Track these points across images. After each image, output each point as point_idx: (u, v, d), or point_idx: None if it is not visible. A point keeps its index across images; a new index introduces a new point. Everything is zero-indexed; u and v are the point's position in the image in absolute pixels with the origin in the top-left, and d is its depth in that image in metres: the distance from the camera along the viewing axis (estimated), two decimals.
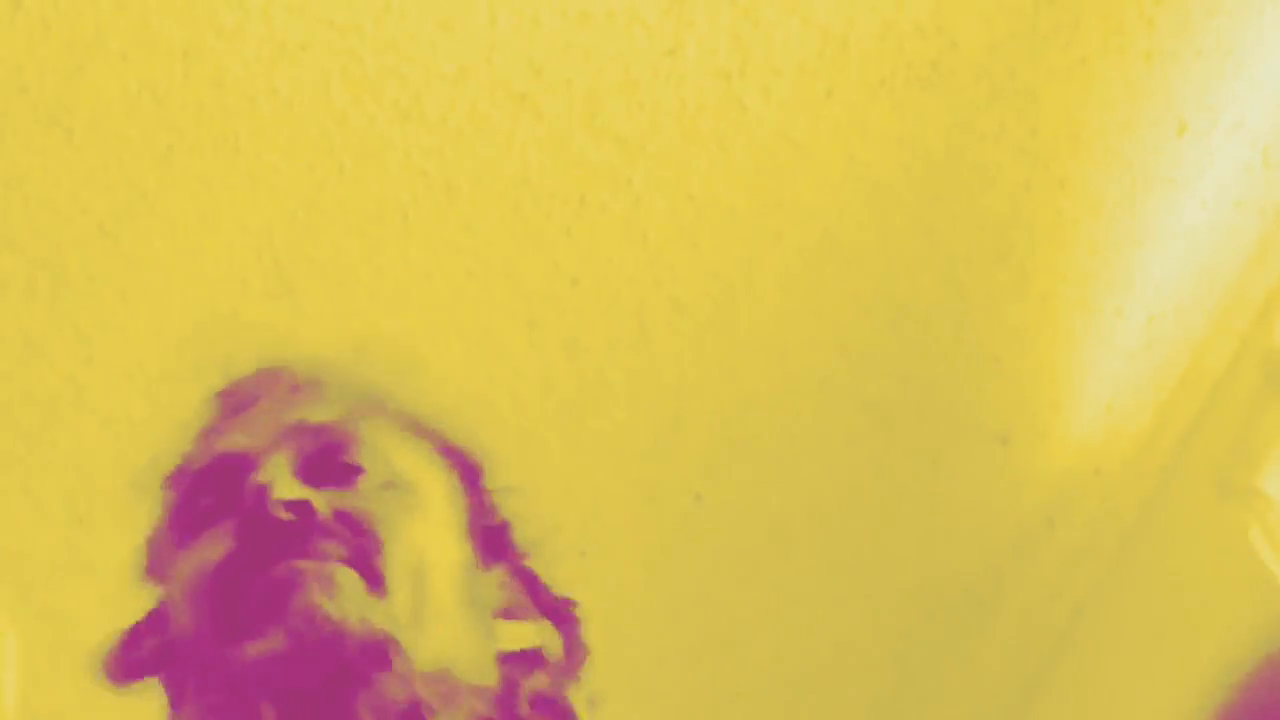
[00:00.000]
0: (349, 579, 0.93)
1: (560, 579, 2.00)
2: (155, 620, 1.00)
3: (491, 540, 1.06)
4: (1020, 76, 1.72)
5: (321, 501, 0.96)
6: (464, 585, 1.00)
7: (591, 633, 2.06)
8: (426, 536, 0.99)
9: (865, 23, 1.69)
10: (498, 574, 1.04)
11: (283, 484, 0.96)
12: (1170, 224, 1.81)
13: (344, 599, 0.92)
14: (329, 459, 1.00)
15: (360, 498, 0.97)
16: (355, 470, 0.99)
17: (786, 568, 2.02)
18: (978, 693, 2.08)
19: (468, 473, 1.08)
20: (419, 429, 1.07)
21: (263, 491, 0.95)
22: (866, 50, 1.70)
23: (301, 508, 0.95)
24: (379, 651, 0.91)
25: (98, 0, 1.63)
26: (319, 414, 1.03)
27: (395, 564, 0.96)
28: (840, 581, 2.03)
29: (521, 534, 1.09)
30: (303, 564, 0.93)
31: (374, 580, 0.94)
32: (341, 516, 0.96)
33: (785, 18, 1.67)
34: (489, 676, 0.98)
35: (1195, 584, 1.85)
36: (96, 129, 1.70)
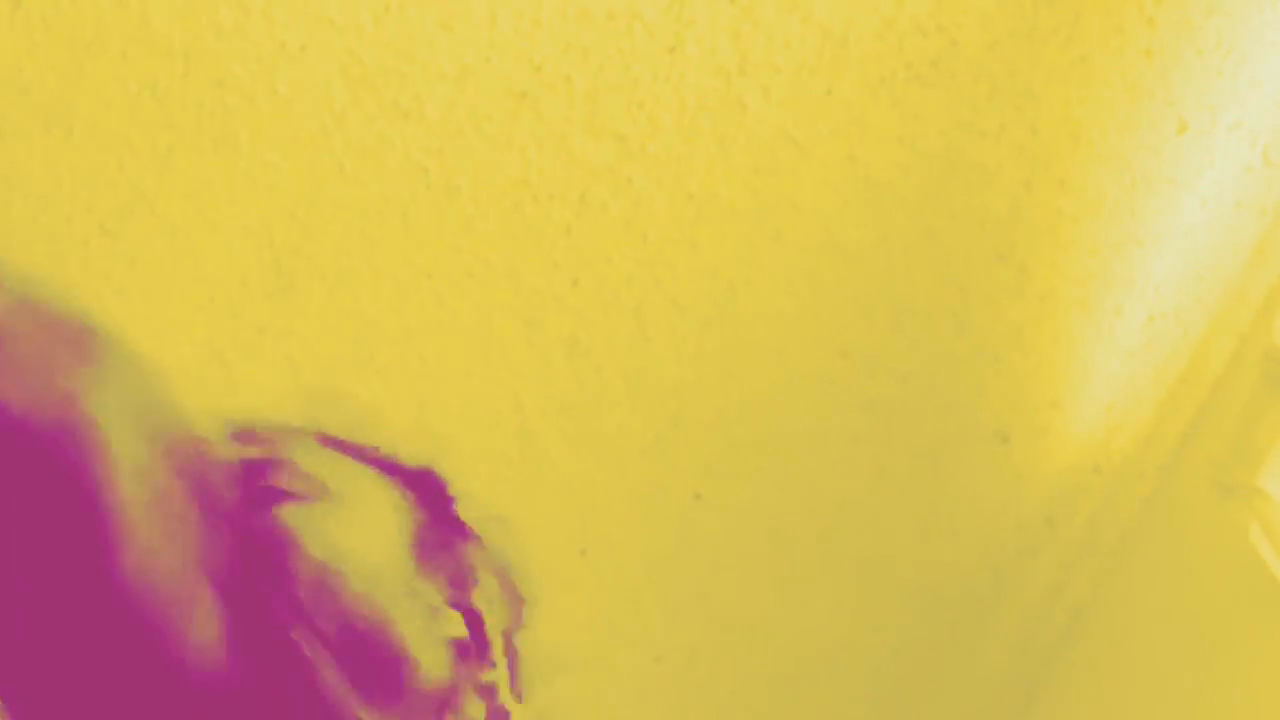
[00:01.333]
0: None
1: (560, 579, 2.01)
2: None
3: (446, 551, 1.08)
4: (1020, 76, 1.72)
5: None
6: (394, 580, 1.02)
7: (591, 632, 2.06)
8: (346, 537, 1.01)
9: (865, 22, 1.69)
10: (441, 577, 1.06)
11: None
12: (1170, 224, 1.81)
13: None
14: (246, 487, 1.03)
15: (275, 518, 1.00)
16: (276, 494, 1.02)
17: (786, 568, 2.02)
18: (978, 693, 2.08)
19: (423, 490, 1.10)
20: (359, 452, 1.09)
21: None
22: (866, 49, 1.70)
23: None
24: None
25: (98, 0, 1.63)
26: (246, 452, 1.06)
27: (305, 560, 0.98)
28: (840, 581, 2.03)
29: (491, 551, 1.11)
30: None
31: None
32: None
33: (785, 16, 1.68)
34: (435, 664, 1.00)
35: (1195, 583, 1.85)
36: (96, 129, 1.70)
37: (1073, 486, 1.96)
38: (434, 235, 1.78)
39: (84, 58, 1.66)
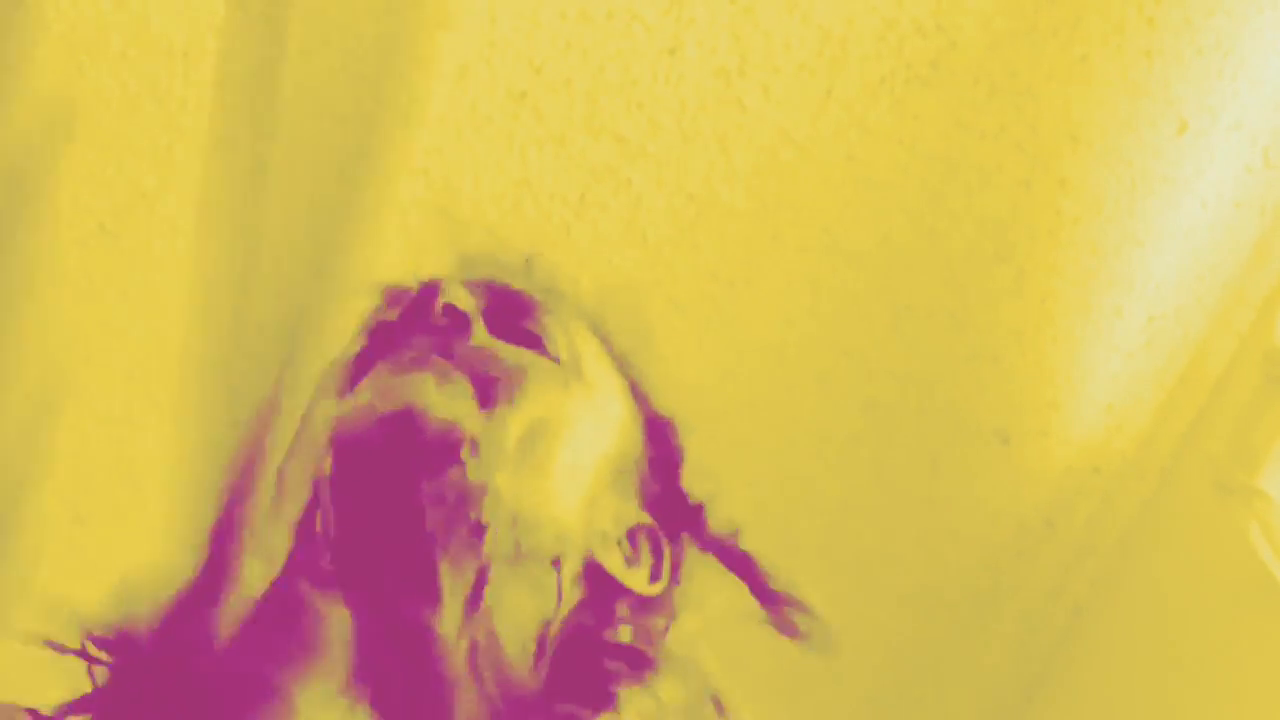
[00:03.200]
0: (462, 385, 0.93)
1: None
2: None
3: (674, 509, 1.05)
4: (1020, 76, 1.72)
5: (481, 327, 0.96)
6: (597, 480, 0.99)
7: None
8: (569, 410, 0.98)
9: (865, 22, 1.69)
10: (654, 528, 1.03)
11: (456, 294, 0.97)
12: (1170, 224, 1.81)
13: (447, 395, 0.92)
14: (513, 318, 1.00)
15: (518, 354, 0.97)
16: (533, 339, 0.99)
17: (786, 568, 2.02)
18: (978, 693, 2.08)
19: (655, 424, 1.07)
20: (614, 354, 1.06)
21: (433, 290, 0.96)
22: (866, 50, 1.70)
23: (458, 315, 0.95)
24: (451, 444, 0.90)
25: (98, 0, 1.63)
26: (518, 281, 1.03)
27: (517, 407, 0.95)
28: (840, 581, 2.02)
29: (715, 520, 1.08)
30: (430, 354, 0.93)
31: (486, 399, 0.94)
32: (488, 352, 0.95)
33: (785, 17, 1.68)
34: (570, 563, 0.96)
35: (1195, 584, 1.85)
36: (96, 129, 1.70)
37: (1072, 487, 1.96)
38: (434, 236, 1.78)
39: (84, 58, 1.66)
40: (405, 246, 1.79)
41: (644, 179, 1.76)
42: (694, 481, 1.08)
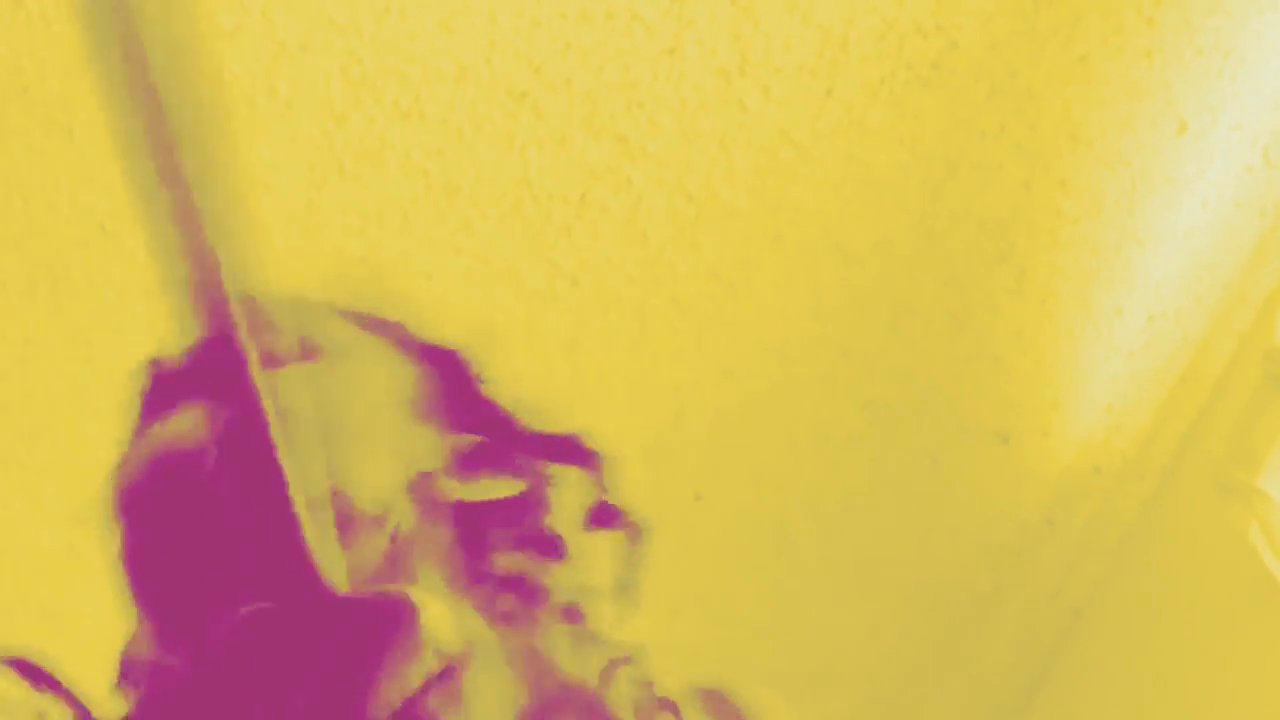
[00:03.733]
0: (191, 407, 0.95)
1: None
2: None
3: (491, 426, 1.04)
4: (1020, 76, 1.72)
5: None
6: (385, 428, 0.98)
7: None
8: (315, 385, 0.97)
9: (865, 22, 1.69)
10: (472, 443, 1.02)
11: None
12: (1170, 224, 1.81)
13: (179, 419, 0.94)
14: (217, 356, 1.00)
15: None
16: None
17: (786, 568, 2.02)
18: (978, 693, 2.08)
19: (437, 359, 1.06)
20: (372, 325, 1.06)
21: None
22: (866, 50, 1.70)
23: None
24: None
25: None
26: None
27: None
28: (840, 581, 2.03)
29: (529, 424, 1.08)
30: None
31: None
32: None
33: (785, 17, 1.68)
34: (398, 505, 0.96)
35: (1195, 583, 1.85)
36: (96, 129, 1.70)
37: (1073, 487, 1.96)
38: (434, 235, 1.78)
39: (84, 57, 1.66)
40: (406, 245, 1.80)
41: (644, 179, 1.76)
42: (506, 400, 1.08)
